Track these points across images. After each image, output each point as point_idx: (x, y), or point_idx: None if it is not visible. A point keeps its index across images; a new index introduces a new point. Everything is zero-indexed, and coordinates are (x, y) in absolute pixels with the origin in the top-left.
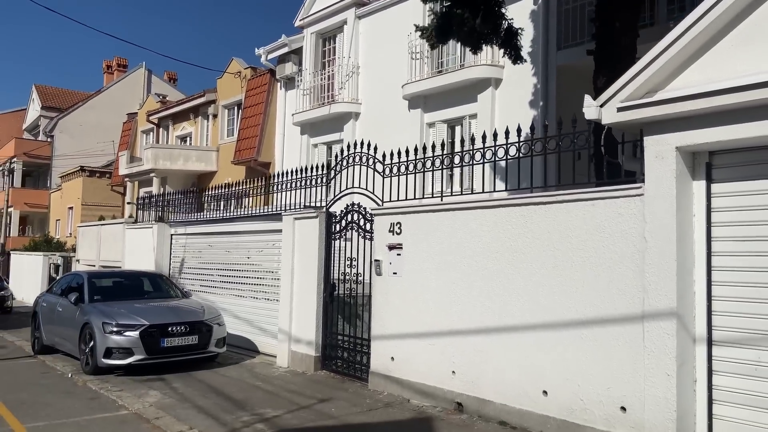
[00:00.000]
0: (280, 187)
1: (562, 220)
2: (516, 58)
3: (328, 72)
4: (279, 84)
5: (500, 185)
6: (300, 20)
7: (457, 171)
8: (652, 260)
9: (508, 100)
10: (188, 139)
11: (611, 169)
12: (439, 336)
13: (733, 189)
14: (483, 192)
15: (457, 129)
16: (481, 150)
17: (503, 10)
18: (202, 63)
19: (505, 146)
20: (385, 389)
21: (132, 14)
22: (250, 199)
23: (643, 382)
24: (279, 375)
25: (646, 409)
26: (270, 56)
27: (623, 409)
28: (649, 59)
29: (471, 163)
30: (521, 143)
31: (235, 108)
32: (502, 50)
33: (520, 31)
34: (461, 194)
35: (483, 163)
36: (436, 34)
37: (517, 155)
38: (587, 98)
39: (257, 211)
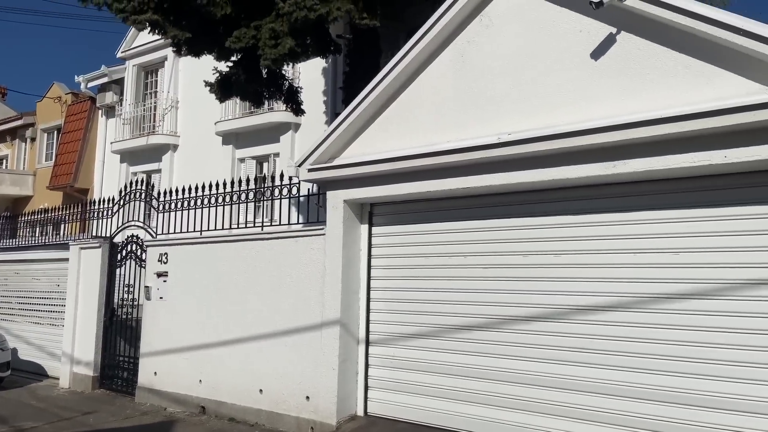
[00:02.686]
0: (73, 218)
1: (278, 252)
2: (296, 111)
3: (150, 104)
4: (100, 111)
5: (297, 218)
6: (122, 52)
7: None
8: (328, 283)
9: (305, 141)
10: (4, 161)
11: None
12: (192, 351)
13: (386, 231)
14: (279, 224)
15: (265, 165)
16: (225, 193)
17: (284, 72)
18: (28, 84)
19: (236, 192)
20: (149, 401)
21: None
22: (66, 225)
23: (319, 376)
24: (57, 395)
25: (320, 396)
26: (90, 84)
27: (308, 398)
28: (327, 133)
29: (223, 203)
30: (249, 190)
31: (55, 132)
32: (285, 105)
33: (299, 89)
34: (237, 227)
35: (225, 204)
36: (219, 91)
37: (254, 199)
38: (289, 160)
39: (75, 238)
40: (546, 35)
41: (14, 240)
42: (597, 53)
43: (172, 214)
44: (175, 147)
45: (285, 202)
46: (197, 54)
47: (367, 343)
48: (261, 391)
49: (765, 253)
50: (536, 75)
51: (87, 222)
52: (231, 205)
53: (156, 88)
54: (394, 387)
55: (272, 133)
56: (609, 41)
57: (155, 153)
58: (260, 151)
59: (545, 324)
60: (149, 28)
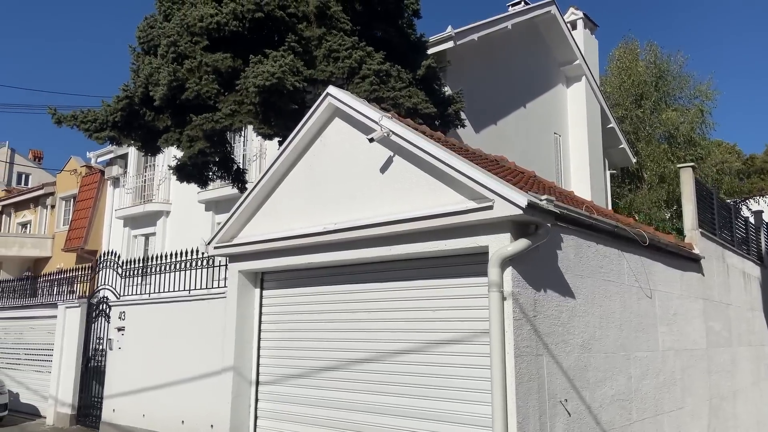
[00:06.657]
0: (63, 281)
1: (197, 311)
2: (241, 190)
3: (148, 175)
4: (108, 182)
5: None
6: None
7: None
8: (226, 335)
9: None
10: (28, 226)
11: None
12: (139, 392)
13: (274, 293)
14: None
15: None
16: (167, 263)
17: (233, 156)
18: (54, 152)
19: (170, 263)
20: None
21: None
22: (79, 285)
23: (219, 409)
24: (41, 430)
25: (220, 424)
26: (100, 159)
27: (212, 426)
28: (228, 218)
29: (163, 271)
30: (181, 261)
31: (72, 200)
32: (232, 184)
33: (245, 170)
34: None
35: (162, 273)
36: (177, 173)
37: (195, 267)
38: (202, 238)
39: (63, 298)
40: (357, 154)
41: (35, 298)
42: (383, 168)
43: (145, 277)
44: (167, 213)
45: None
46: (153, 154)
47: (257, 382)
48: (183, 422)
49: (482, 310)
50: (352, 182)
51: (93, 282)
52: (167, 273)
53: (154, 161)
54: (277, 417)
55: None
56: (389, 161)
57: (151, 218)
58: None
59: (373, 364)
60: (108, 141)
